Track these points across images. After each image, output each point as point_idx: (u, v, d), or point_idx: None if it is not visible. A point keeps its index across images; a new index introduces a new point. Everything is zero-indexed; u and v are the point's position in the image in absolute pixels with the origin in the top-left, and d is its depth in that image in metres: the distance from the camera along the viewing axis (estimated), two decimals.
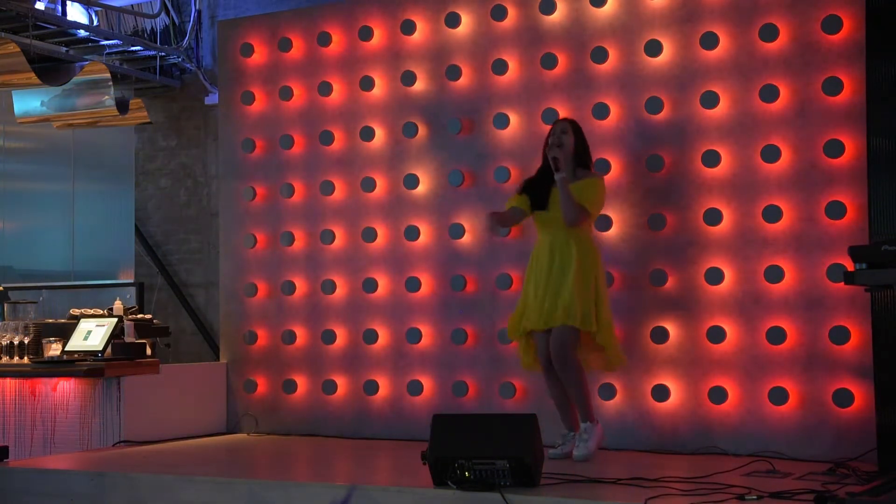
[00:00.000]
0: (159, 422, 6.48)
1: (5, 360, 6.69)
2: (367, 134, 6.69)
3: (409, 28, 6.58)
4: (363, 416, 6.60)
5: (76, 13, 8.07)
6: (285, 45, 7.01)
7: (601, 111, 5.95)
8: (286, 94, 6.98)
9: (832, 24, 5.42)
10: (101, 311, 6.92)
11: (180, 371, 6.89)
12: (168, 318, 8.08)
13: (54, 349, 6.65)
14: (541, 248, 5.33)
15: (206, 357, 7.88)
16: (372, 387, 6.56)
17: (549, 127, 5.53)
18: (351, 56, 6.81)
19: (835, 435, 5.31)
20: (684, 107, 5.79)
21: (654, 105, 5.83)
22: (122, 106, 7.78)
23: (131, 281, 8.34)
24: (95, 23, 8.19)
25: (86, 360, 6.37)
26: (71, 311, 7.06)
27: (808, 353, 5.42)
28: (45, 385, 6.40)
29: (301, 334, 6.85)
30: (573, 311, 5.11)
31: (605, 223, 5.84)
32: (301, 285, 6.87)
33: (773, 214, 5.51)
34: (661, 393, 5.69)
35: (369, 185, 6.66)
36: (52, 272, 9.11)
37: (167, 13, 8.27)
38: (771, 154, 5.53)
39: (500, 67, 6.27)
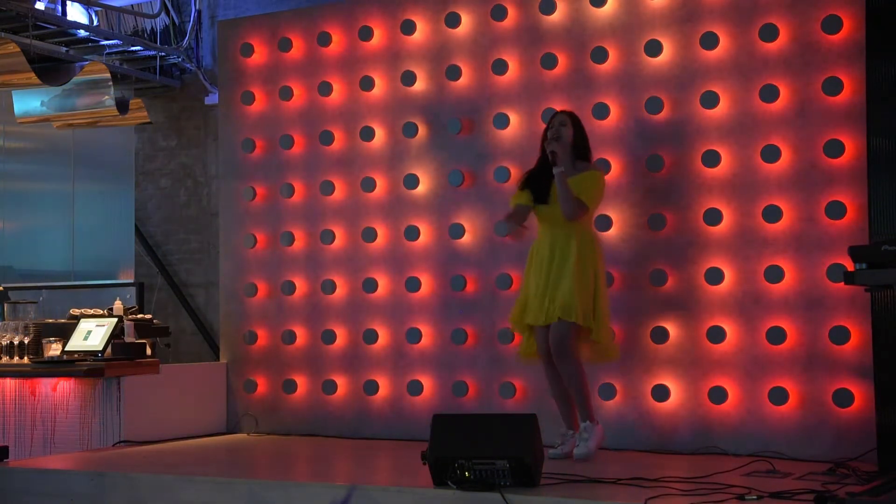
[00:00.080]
0: (159, 422, 6.48)
1: (5, 360, 6.69)
2: (367, 134, 6.69)
3: (409, 28, 6.58)
4: (363, 416, 6.60)
5: (76, 13, 8.07)
6: (285, 45, 7.01)
7: (601, 111, 5.95)
8: (286, 94, 6.98)
9: (832, 24, 5.42)
10: (101, 311, 6.92)
11: (180, 371, 6.89)
12: (168, 318, 8.08)
13: (54, 349, 6.65)
14: (541, 242, 5.34)
15: (206, 357, 7.87)
16: (372, 387, 6.56)
17: None
18: (351, 56, 6.81)
19: (835, 435, 5.31)
20: (684, 107, 5.79)
21: (654, 105, 5.83)
22: (122, 106, 7.78)
23: (131, 281, 8.34)
24: (95, 23, 8.19)
25: (86, 360, 6.37)
26: (71, 311, 7.06)
27: (808, 353, 5.42)
28: (45, 385, 6.40)
29: (301, 334, 6.85)
30: (572, 307, 5.11)
31: (605, 223, 5.84)
32: (301, 285, 6.87)
33: (773, 214, 5.52)
34: (661, 393, 5.69)
35: (369, 185, 6.66)
36: (52, 272, 9.11)
37: (167, 13, 8.26)
38: (771, 154, 5.53)
39: (500, 67, 6.27)
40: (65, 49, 7.95)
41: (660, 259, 5.78)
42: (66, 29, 7.77)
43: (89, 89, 7.80)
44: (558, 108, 6.04)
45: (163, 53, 8.13)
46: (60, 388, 6.35)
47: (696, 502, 4.02)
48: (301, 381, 6.83)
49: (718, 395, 5.57)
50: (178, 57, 8.19)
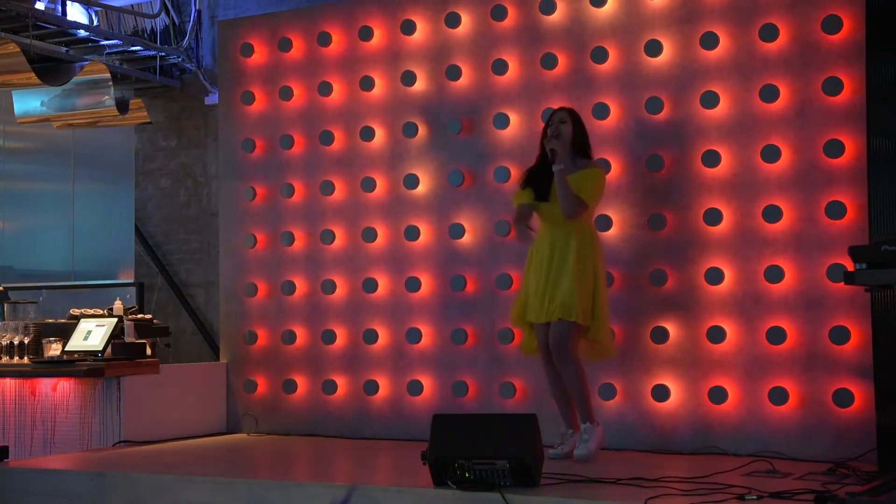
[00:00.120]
0: (159, 422, 6.48)
1: (5, 360, 6.69)
2: (367, 134, 6.69)
3: (409, 28, 6.58)
4: (363, 416, 6.60)
5: (76, 13, 8.07)
6: (285, 45, 7.01)
7: (601, 111, 5.95)
8: (286, 94, 6.98)
9: (832, 24, 5.42)
10: (101, 311, 6.92)
11: (180, 371, 6.89)
12: (168, 318, 8.08)
13: (54, 349, 6.65)
14: (542, 240, 5.33)
15: (206, 357, 7.88)
16: (372, 387, 6.56)
17: None
18: (351, 56, 6.81)
19: (835, 435, 5.31)
20: (684, 107, 5.79)
21: (654, 105, 5.83)
22: (122, 106, 7.78)
23: (131, 281, 8.33)
24: (95, 23, 8.19)
25: (86, 360, 6.37)
26: (71, 311, 7.06)
27: (808, 353, 5.42)
28: (45, 385, 6.40)
29: (301, 334, 6.85)
30: (571, 307, 5.11)
31: (605, 223, 5.84)
32: (301, 285, 6.87)
33: (773, 214, 5.51)
34: (661, 393, 5.69)
35: (369, 185, 6.66)
36: (52, 272, 9.11)
37: (167, 13, 8.26)
38: (771, 154, 5.53)
39: (500, 67, 6.27)
40: (65, 49, 7.95)
41: (660, 259, 5.78)
42: (66, 29, 7.77)
43: (89, 89, 7.80)
44: (558, 107, 6.04)
45: (163, 53, 8.13)
46: (60, 388, 6.35)
47: (696, 502, 4.02)
48: (301, 381, 6.83)
49: (718, 395, 5.57)
50: (178, 57, 8.19)
